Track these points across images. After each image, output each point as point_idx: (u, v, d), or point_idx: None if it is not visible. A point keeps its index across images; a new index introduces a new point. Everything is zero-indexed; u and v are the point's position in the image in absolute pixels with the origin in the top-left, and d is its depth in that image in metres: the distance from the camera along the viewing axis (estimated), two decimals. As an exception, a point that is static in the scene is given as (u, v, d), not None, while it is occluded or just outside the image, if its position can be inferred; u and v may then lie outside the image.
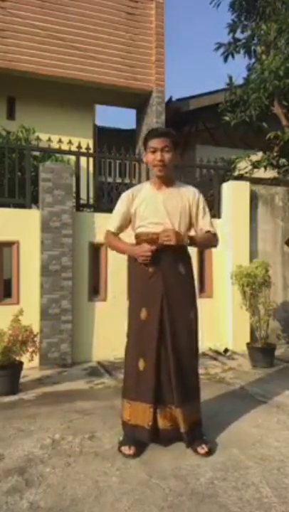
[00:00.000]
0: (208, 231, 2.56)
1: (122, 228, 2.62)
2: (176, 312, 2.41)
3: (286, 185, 5.89)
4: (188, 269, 2.52)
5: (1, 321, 3.68)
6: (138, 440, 2.43)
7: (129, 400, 2.46)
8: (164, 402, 2.39)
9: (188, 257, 2.54)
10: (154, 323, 2.38)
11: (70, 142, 4.95)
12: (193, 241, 2.48)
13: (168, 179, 2.52)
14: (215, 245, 2.69)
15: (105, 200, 5.16)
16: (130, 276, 2.56)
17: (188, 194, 2.52)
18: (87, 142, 5.67)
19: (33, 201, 4.77)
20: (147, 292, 2.42)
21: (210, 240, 2.60)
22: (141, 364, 2.40)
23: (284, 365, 4.48)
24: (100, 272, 4.84)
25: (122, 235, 2.66)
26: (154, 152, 2.42)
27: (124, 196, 2.57)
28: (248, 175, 5.93)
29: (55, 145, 4.93)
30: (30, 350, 3.58)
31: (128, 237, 2.64)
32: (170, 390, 2.37)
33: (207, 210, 2.58)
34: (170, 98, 8.84)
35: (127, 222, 2.59)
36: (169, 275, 2.42)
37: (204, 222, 2.56)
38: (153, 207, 2.46)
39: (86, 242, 4.74)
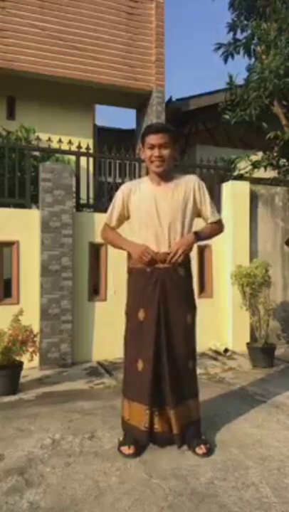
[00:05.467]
0: (213, 222, 2.57)
1: (119, 221, 2.57)
2: (173, 314, 2.39)
3: (286, 185, 5.89)
4: (187, 272, 2.50)
5: (1, 321, 3.68)
6: (137, 440, 2.43)
7: (129, 400, 2.46)
8: (162, 404, 2.38)
9: (188, 260, 2.52)
10: (151, 324, 2.36)
11: (70, 142, 4.94)
12: (199, 238, 2.48)
13: (166, 175, 2.45)
14: (221, 231, 2.69)
15: (105, 200, 5.16)
16: (129, 276, 2.54)
17: (189, 184, 2.47)
18: (87, 142, 5.67)
19: (33, 201, 4.78)
20: (146, 293, 2.40)
21: (215, 230, 2.63)
22: (140, 365, 2.39)
23: (284, 365, 4.48)
24: (100, 272, 4.84)
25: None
26: (151, 148, 2.37)
27: (120, 191, 2.54)
28: (248, 175, 5.93)
29: (55, 145, 4.92)
30: (30, 350, 3.58)
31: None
32: (167, 392, 2.37)
33: (208, 196, 2.54)
34: (170, 98, 8.85)
35: (124, 216, 2.55)
36: (168, 277, 2.40)
37: (207, 213, 2.55)
38: (150, 205, 2.41)
39: (86, 242, 4.74)
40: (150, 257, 2.34)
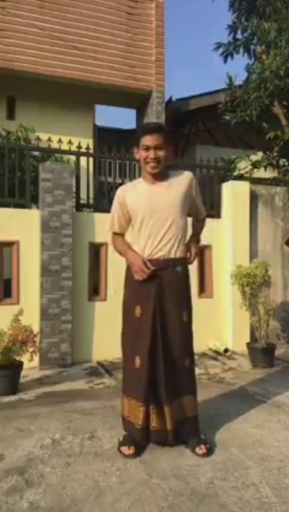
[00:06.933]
0: (202, 218, 2.77)
1: (121, 225, 2.59)
2: (169, 312, 2.40)
3: (286, 185, 5.89)
4: (184, 270, 2.51)
5: (1, 321, 3.68)
6: (134, 438, 2.42)
7: (128, 396, 2.46)
8: (159, 401, 2.38)
9: (186, 259, 2.54)
10: (147, 320, 2.37)
11: (70, 142, 4.95)
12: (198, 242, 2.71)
13: (161, 174, 2.47)
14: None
15: (105, 200, 5.16)
16: (127, 272, 2.55)
17: (185, 180, 2.50)
18: (87, 142, 5.68)
19: (33, 201, 4.78)
20: (142, 290, 2.41)
21: (203, 228, 2.82)
22: (137, 362, 2.39)
23: (284, 365, 4.48)
24: (100, 272, 4.84)
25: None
26: (146, 150, 2.38)
27: (116, 196, 2.57)
28: (248, 175, 5.93)
29: (55, 145, 4.92)
30: (30, 350, 3.58)
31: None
32: (162, 389, 2.37)
33: (199, 193, 2.64)
34: (170, 98, 8.85)
35: (125, 219, 2.56)
36: (165, 274, 2.41)
37: (199, 209, 2.69)
38: (147, 203, 2.43)
39: (86, 242, 4.74)
40: (145, 276, 2.37)
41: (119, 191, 2.56)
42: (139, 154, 2.44)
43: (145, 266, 2.36)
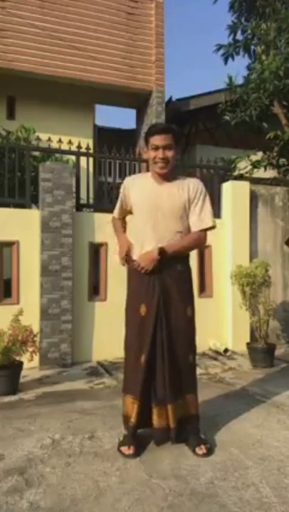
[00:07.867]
0: (195, 231, 2.47)
1: (121, 213, 2.70)
2: (173, 309, 2.41)
3: (286, 185, 5.89)
4: (185, 267, 2.52)
5: (1, 321, 3.68)
6: (137, 439, 2.43)
7: (127, 394, 2.48)
8: (161, 399, 2.38)
9: (186, 256, 2.54)
10: (151, 319, 2.38)
11: (70, 142, 4.95)
12: (165, 254, 2.36)
13: (169, 175, 2.48)
14: (199, 245, 2.61)
15: (105, 200, 5.16)
16: (129, 273, 2.57)
17: (188, 187, 2.47)
18: (87, 142, 5.67)
19: (33, 201, 4.78)
20: (145, 289, 2.42)
21: (191, 243, 2.50)
22: (139, 359, 2.40)
23: (284, 365, 4.48)
24: (100, 272, 4.84)
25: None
26: (155, 150, 2.39)
27: (122, 185, 2.63)
28: (248, 175, 5.93)
29: (55, 145, 4.93)
30: (30, 350, 3.58)
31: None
32: (166, 386, 2.37)
33: (203, 203, 2.47)
34: (170, 98, 8.85)
35: (125, 208, 2.64)
36: (167, 273, 2.42)
37: (196, 220, 2.45)
38: (150, 202, 2.44)
39: (86, 242, 4.74)
40: (127, 263, 2.47)
41: (126, 182, 2.62)
42: (148, 154, 2.45)
43: (126, 256, 2.49)
